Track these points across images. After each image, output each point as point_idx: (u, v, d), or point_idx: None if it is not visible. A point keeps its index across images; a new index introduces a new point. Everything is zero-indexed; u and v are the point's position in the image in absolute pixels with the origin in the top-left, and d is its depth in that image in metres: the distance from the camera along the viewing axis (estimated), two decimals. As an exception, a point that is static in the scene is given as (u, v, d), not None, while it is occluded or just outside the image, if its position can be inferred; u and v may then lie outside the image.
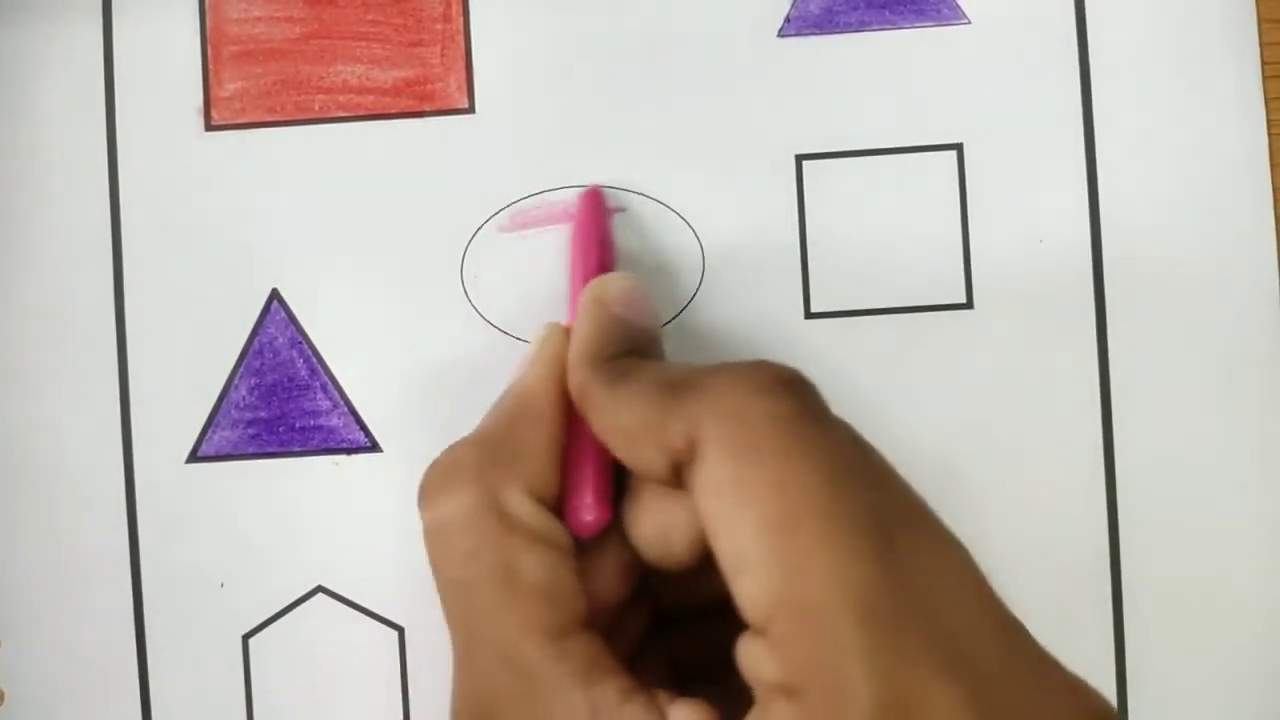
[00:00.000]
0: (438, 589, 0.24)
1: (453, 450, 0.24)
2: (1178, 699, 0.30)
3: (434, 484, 0.24)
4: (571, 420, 0.25)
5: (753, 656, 0.20)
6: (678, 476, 0.22)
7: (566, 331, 0.26)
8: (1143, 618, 0.30)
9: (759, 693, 0.20)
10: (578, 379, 0.25)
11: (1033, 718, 0.19)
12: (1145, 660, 0.30)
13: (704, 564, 0.24)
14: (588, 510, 0.25)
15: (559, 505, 0.25)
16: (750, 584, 0.20)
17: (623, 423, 0.23)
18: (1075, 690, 0.21)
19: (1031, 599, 0.30)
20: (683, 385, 0.22)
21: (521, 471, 0.24)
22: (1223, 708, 0.30)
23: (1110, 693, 0.30)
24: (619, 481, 0.25)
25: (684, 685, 0.22)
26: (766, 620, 0.20)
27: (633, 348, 0.25)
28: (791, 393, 0.22)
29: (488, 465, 0.24)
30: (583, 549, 0.25)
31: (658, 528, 0.24)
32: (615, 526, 0.25)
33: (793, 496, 0.20)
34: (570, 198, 0.31)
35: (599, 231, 0.29)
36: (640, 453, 0.23)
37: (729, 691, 0.21)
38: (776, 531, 0.20)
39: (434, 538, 0.24)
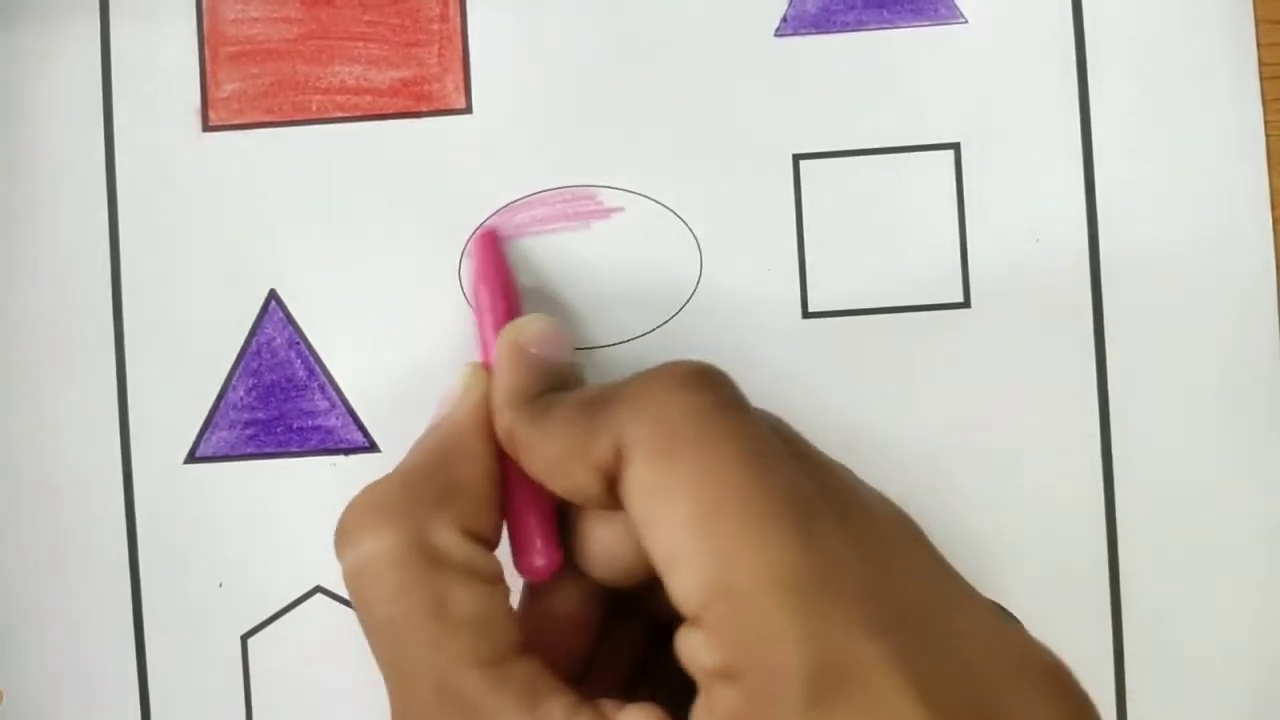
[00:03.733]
0: (365, 631, 0.23)
1: (375, 487, 0.24)
2: (1177, 698, 0.30)
3: (356, 522, 0.24)
4: (507, 471, 0.26)
5: (691, 646, 0.21)
6: (613, 493, 0.22)
7: (489, 371, 0.27)
8: (1141, 617, 0.30)
9: (701, 681, 0.21)
10: (504, 422, 0.25)
11: (972, 670, 0.20)
12: (1144, 660, 0.30)
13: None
14: (539, 556, 0.25)
15: (492, 539, 0.25)
16: (682, 577, 0.21)
17: (552, 452, 0.23)
18: (1022, 645, 0.21)
19: (1029, 598, 0.30)
20: (603, 400, 0.23)
21: (451, 507, 0.24)
22: (1222, 708, 0.30)
23: (1110, 692, 0.30)
24: (561, 521, 0.26)
25: (691, 693, 0.22)
26: (700, 609, 0.20)
27: (555, 384, 0.26)
28: (707, 385, 0.22)
29: (413, 501, 0.24)
30: (543, 588, 0.26)
31: (605, 552, 0.25)
32: (568, 561, 0.26)
33: (714, 486, 0.21)
34: (545, 199, 0.31)
35: (502, 273, 0.29)
36: (573, 478, 0.23)
37: None
38: (701, 522, 0.20)
39: (357, 578, 0.23)
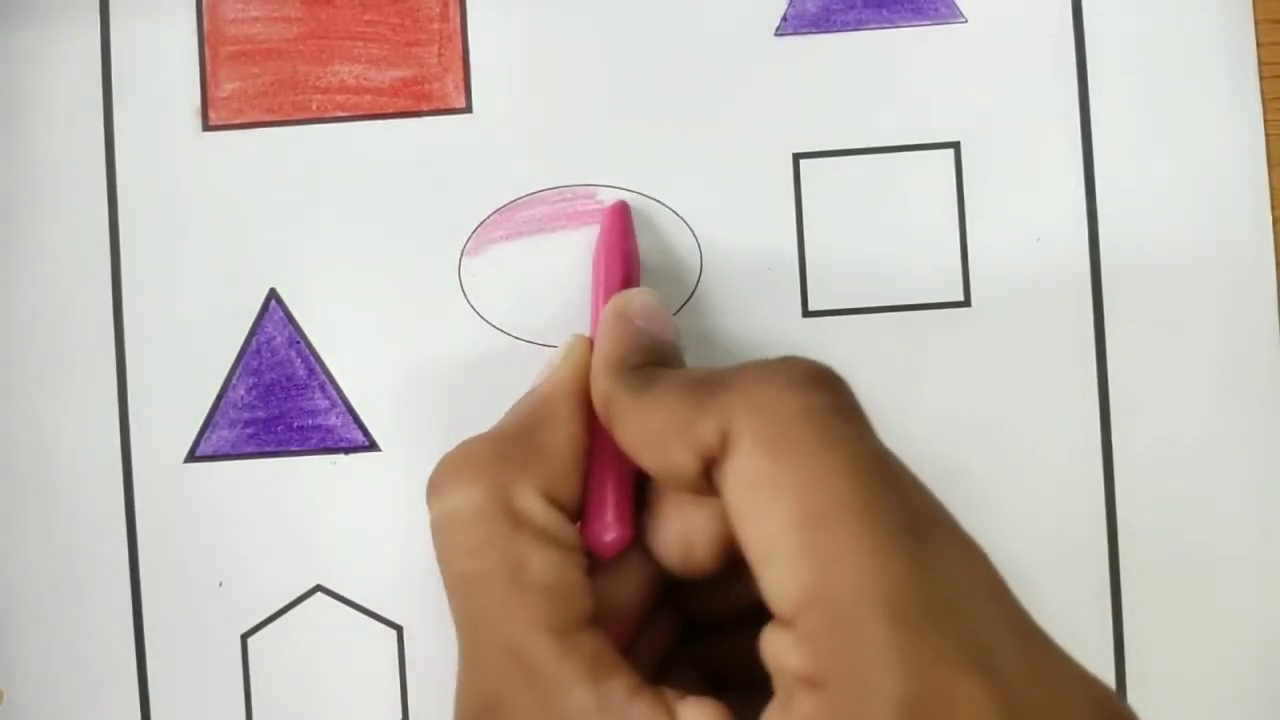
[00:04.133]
0: (444, 583, 0.23)
1: (467, 444, 0.24)
2: (1177, 698, 0.30)
3: (445, 476, 0.24)
4: (592, 443, 0.25)
5: (778, 647, 0.20)
6: (706, 477, 0.22)
7: (591, 343, 0.26)
8: (1142, 616, 0.30)
9: (782, 682, 0.20)
10: (602, 387, 0.25)
11: (1055, 718, 0.19)
12: (1144, 659, 0.30)
13: (729, 571, 0.24)
14: (608, 530, 0.25)
15: (573, 509, 0.25)
16: (780, 575, 0.20)
17: (652, 425, 0.23)
18: (1095, 693, 0.21)
19: (1029, 597, 0.30)
20: (713, 383, 0.22)
21: (536, 470, 0.24)
22: (1222, 708, 0.30)
23: (1108, 691, 0.30)
24: (637, 500, 0.26)
25: (716, 693, 0.22)
26: (795, 612, 0.20)
27: (656, 359, 0.25)
28: (825, 388, 0.22)
29: (501, 461, 0.24)
30: (605, 566, 0.25)
31: (680, 537, 0.24)
32: (636, 542, 0.25)
33: (826, 491, 0.20)
34: (549, 200, 0.31)
35: (624, 245, 0.29)
36: (670, 454, 0.22)
37: (760, 699, 0.21)
38: (808, 525, 0.20)
39: (441, 530, 0.24)
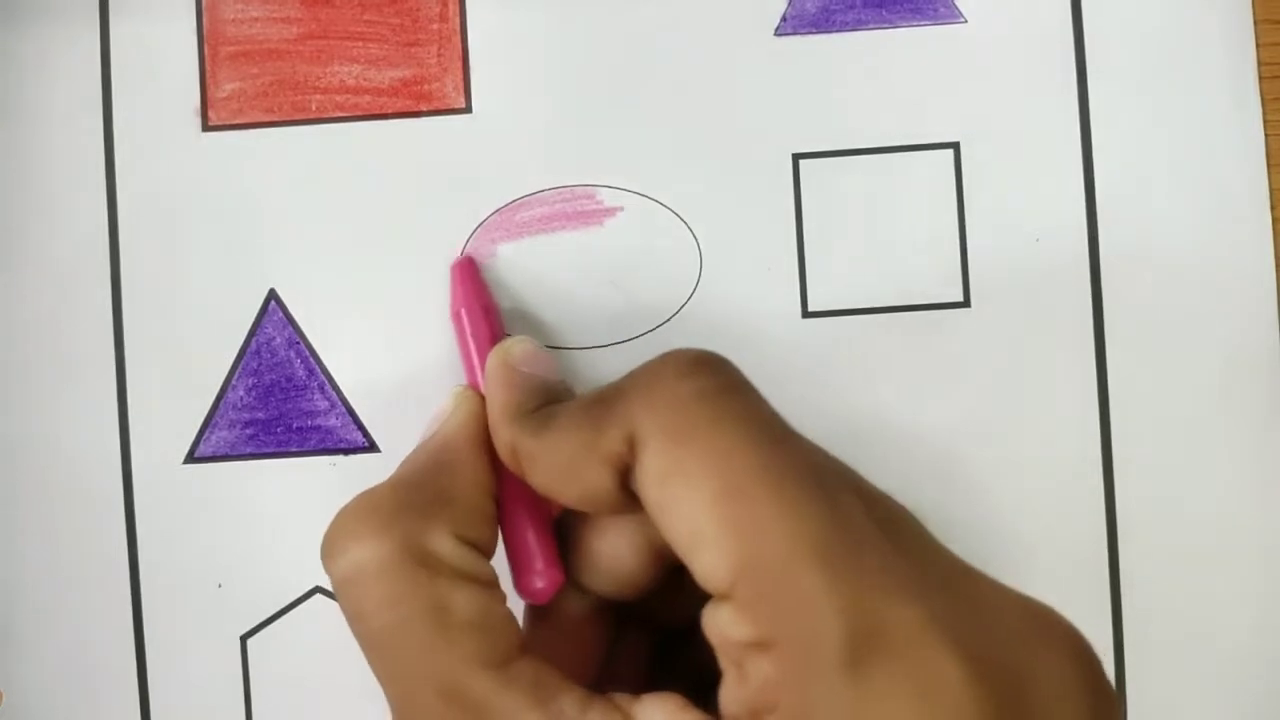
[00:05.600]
0: (360, 642, 0.23)
1: (362, 497, 0.24)
2: (1177, 697, 0.30)
3: (343, 530, 0.23)
4: (503, 494, 0.26)
5: (720, 622, 0.21)
6: (624, 490, 0.23)
7: (478, 393, 0.27)
8: (1141, 617, 0.30)
9: (730, 656, 0.21)
10: (505, 437, 0.25)
11: (1003, 632, 0.20)
12: (1144, 658, 0.30)
13: (674, 577, 0.24)
14: (539, 577, 0.25)
15: (487, 548, 0.25)
16: (708, 555, 0.21)
17: (560, 457, 0.23)
18: (1042, 610, 0.21)
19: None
20: (609, 396, 0.23)
21: (445, 513, 0.24)
22: (1223, 706, 0.30)
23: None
24: (558, 540, 0.26)
25: (705, 692, 0.22)
26: (729, 585, 0.20)
27: (549, 400, 0.26)
28: (712, 370, 0.23)
29: (407, 508, 0.24)
30: (545, 612, 0.26)
31: (608, 562, 0.25)
32: (569, 581, 0.26)
33: (732, 463, 0.21)
34: (546, 198, 0.31)
35: (481, 299, 0.29)
36: (584, 479, 0.23)
37: None
38: (723, 499, 0.21)
39: (349, 587, 0.23)
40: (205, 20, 0.31)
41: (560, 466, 0.24)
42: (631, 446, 0.22)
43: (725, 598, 0.21)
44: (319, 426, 0.31)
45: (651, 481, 0.22)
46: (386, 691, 0.23)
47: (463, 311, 0.29)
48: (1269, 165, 0.30)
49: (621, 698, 0.22)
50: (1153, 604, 0.30)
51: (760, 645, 0.20)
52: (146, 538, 0.31)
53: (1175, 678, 0.30)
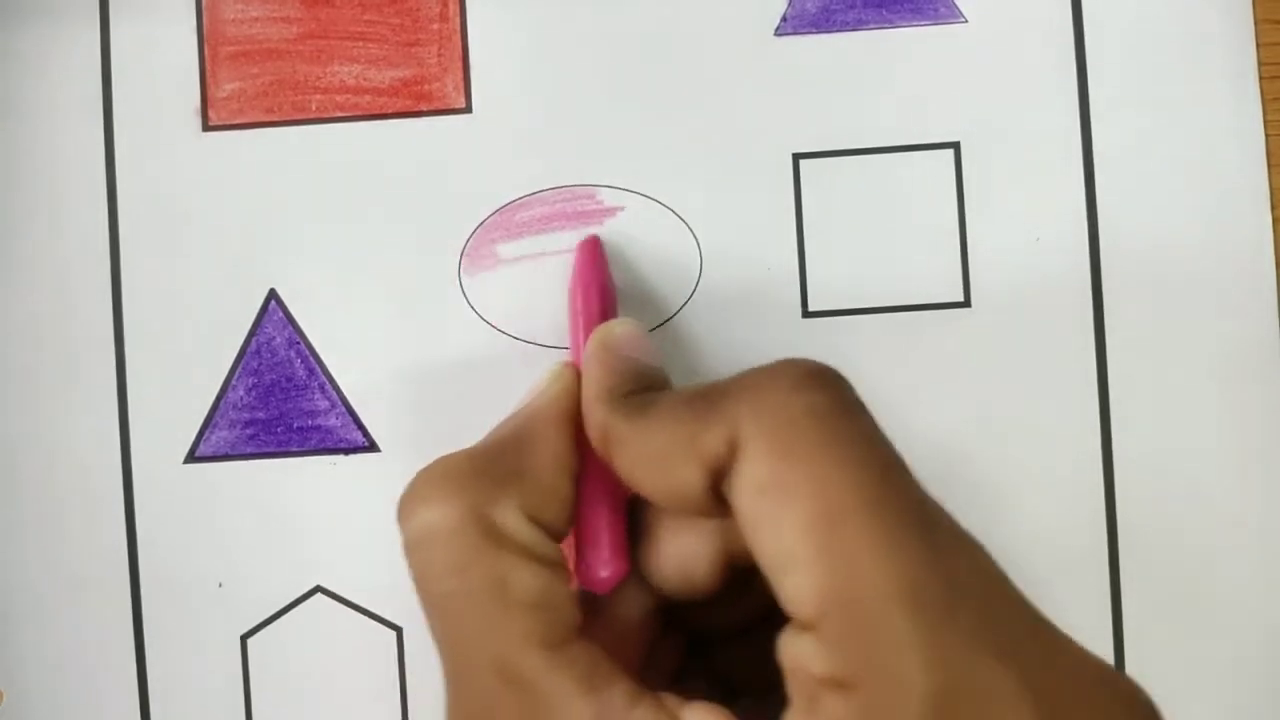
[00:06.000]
0: (422, 603, 0.23)
1: (444, 460, 0.24)
2: (1178, 698, 0.30)
3: (419, 493, 0.23)
4: (582, 477, 0.25)
5: (800, 651, 0.20)
6: (713, 494, 0.22)
7: (577, 372, 0.26)
8: (1141, 617, 0.30)
9: (804, 687, 0.20)
10: (598, 417, 0.24)
11: (1078, 702, 0.19)
12: (1144, 659, 0.30)
13: (732, 586, 0.24)
14: (604, 565, 0.25)
15: (558, 528, 0.24)
16: (797, 580, 0.20)
17: (654, 446, 0.23)
18: (1113, 675, 0.21)
19: (1029, 596, 0.30)
20: (714, 394, 0.22)
21: (518, 488, 0.23)
22: (1222, 707, 0.30)
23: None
24: (630, 530, 0.25)
25: (727, 702, 0.22)
26: (816, 615, 0.20)
27: (646, 386, 0.25)
28: (828, 386, 0.22)
29: (480, 477, 0.23)
30: (603, 603, 0.25)
31: (678, 562, 0.24)
32: (634, 571, 0.25)
33: (837, 491, 0.20)
34: (548, 201, 0.31)
35: (599, 278, 0.29)
36: (675, 472, 0.22)
37: (773, 702, 0.21)
38: (823, 527, 0.20)
39: (418, 548, 0.23)
40: (205, 20, 0.31)
41: (651, 456, 0.23)
42: (733, 450, 0.21)
43: (809, 627, 0.20)
44: (319, 426, 0.31)
45: (748, 490, 0.21)
46: (442, 657, 0.23)
47: (577, 288, 0.29)
48: (1269, 165, 0.30)
49: (670, 699, 0.22)
50: (1153, 604, 0.30)
51: (839, 684, 0.19)
52: (146, 538, 0.31)
53: (1175, 676, 0.30)
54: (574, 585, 0.24)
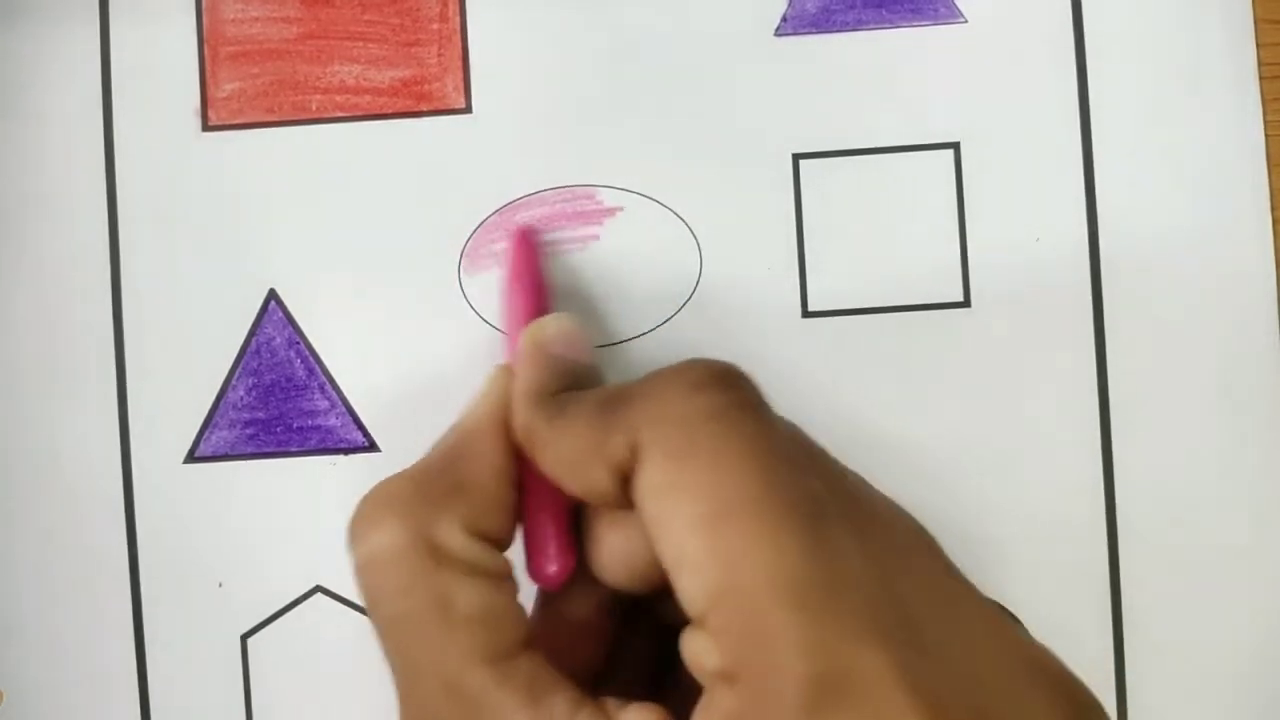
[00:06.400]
0: (373, 625, 0.23)
1: (386, 483, 0.24)
2: (1177, 698, 0.30)
3: (365, 516, 0.24)
4: (524, 476, 0.26)
5: (695, 648, 0.21)
6: (626, 493, 0.22)
7: (513, 373, 0.27)
8: (1141, 617, 0.30)
9: (704, 682, 0.21)
10: (522, 419, 0.25)
11: (975, 679, 0.20)
12: (1144, 659, 0.30)
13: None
14: (550, 562, 0.25)
15: (502, 539, 0.25)
16: (688, 579, 0.21)
17: (567, 449, 0.23)
18: (1027, 651, 0.21)
19: (1029, 598, 0.30)
20: (620, 398, 0.23)
21: (457, 504, 0.24)
22: (1223, 707, 0.30)
23: (1110, 692, 0.30)
24: (576, 526, 0.26)
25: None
26: (705, 611, 0.20)
27: (574, 384, 0.26)
28: (725, 386, 0.22)
29: (420, 498, 0.24)
30: (557, 595, 0.26)
31: (619, 556, 0.24)
32: (583, 567, 0.25)
33: (726, 490, 0.21)
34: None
35: (533, 272, 0.29)
36: (588, 476, 0.23)
37: None
38: (710, 524, 0.20)
39: (365, 572, 0.24)
40: (205, 20, 0.31)
41: (566, 458, 0.24)
42: (634, 455, 0.22)
43: (701, 623, 0.21)
44: (319, 426, 0.31)
45: (647, 494, 0.22)
46: (394, 676, 0.23)
47: (509, 284, 0.29)
48: (1269, 165, 0.30)
49: (611, 703, 0.22)
50: (1153, 604, 0.30)
51: (726, 676, 0.20)
52: (146, 538, 0.31)
53: (1175, 679, 0.30)
54: (532, 583, 0.25)
